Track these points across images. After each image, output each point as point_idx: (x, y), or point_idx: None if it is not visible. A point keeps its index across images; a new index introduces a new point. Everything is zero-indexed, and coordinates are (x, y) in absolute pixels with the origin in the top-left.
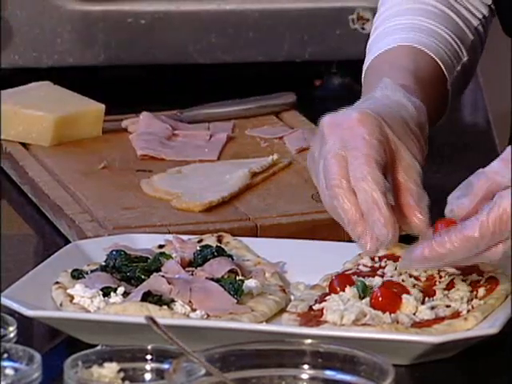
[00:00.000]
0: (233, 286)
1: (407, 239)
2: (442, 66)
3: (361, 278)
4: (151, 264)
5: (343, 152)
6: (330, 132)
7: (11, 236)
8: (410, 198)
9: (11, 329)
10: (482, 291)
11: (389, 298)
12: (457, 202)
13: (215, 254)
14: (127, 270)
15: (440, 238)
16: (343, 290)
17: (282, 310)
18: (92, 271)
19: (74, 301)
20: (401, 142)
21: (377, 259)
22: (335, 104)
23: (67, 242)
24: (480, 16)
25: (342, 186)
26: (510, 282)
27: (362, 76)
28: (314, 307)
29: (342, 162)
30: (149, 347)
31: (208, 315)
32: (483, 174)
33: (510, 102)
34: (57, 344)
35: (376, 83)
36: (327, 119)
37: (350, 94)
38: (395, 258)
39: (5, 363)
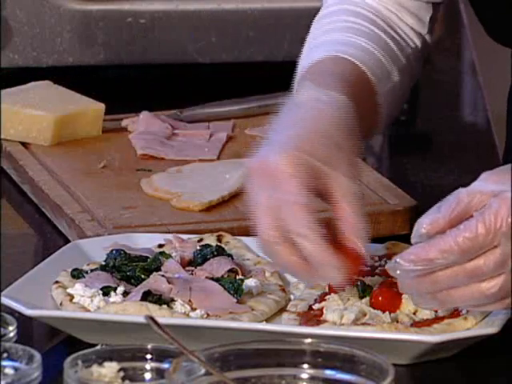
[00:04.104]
0: (233, 285)
1: (407, 239)
2: (372, 78)
3: (361, 278)
4: (151, 263)
5: (273, 202)
6: (258, 181)
7: (11, 235)
8: (350, 231)
9: (11, 328)
10: None
11: (389, 298)
12: (428, 219)
13: (215, 253)
14: (127, 270)
15: (433, 240)
16: (343, 290)
17: (282, 310)
18: (92, 270)
19: (74, 300)
20: (331, 169)
21: (377, 259)
22: None
23: (67, 241)
24: (413, 45)
25: (277, 242)
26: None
27: (295, 86)
28: (313, 307)
29: (273, 212)
30: (149, 347)
31: (208, 314)
32: (461, 192)
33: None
34: (57, 343)
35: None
36: (253, 165)
37: None
38: None
39: (5, 363)
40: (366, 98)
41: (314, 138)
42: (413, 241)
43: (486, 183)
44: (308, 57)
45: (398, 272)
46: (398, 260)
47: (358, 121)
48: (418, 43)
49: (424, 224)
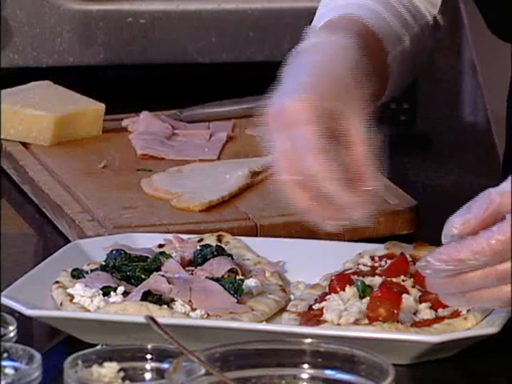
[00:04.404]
0: (233, 285)
1: (407, 239)
2: (382, 38)
3: (361, 278)
4: (151, 263)
5: (290, 146)
6: (275, 126)
7: (11, 235)
8: (361, 175)
9: (11, 328)
10: None
11: (389, 298)
12: (460, 219)
13: (215, 253)
14: (127, 270)
15: (465, 240)
16: (343, 290)
17: (282, 310)
18: (92, 271)
19: (74, 300)
20: (344, 111)
21: (377, 259)
22: None
23: (67, 241)
24: (427, 19)
25: (295, 186)
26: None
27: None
28: (314, 307)
29: (290, 157)
30: (149, 347)
31: (208, 315)
32: (491, 193)
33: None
34: (57, 343)
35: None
36: (270, 110)
37: None
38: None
39: (5, 363)
40: (376, 54)
41: (326, 82)
42: (444, 240)
43: None
44: (320, 18)
45: (428, 271)
46: (428, 259)
47: (371, 68)
48: (430, 19)
49: (456, 224)
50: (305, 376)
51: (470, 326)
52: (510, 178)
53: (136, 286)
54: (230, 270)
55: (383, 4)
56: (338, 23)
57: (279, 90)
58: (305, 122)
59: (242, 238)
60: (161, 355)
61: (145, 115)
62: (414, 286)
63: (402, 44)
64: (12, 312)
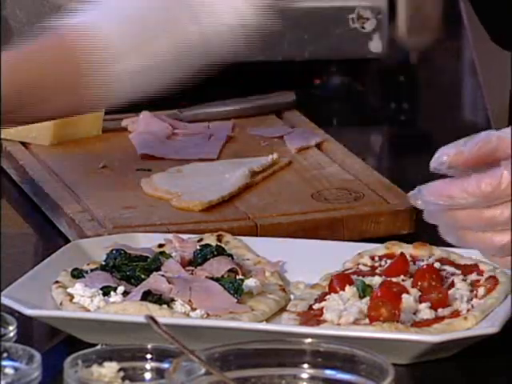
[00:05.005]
0: (233, 285)
1: (407, 239)
2: (107, 46)
3: (361, 278)
4: (151, 263)
5: None
6: None
7: (11, 235)
8: None
9: (11, 328)
10: (481, 290)
11: (389, 298)
12: (453, 149)
13: (215, 253)
14: (127, 270)
15: (457, 179)
16: (343, 290)
17: (282, 310)
18: (92, 270)
19: (74, 300)
20: None
21: (377, 258)
22: (335, 103)
23: (67, 241)
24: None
25: None
26: (510, 281)
27: None
28: (313, 306)
29: None
30: (149, 346)
31: (208, 314)
32: (491, 134)
33: (509, 102)
34: (57, 343)
35: None
36: None
37: (349, 94)
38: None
39: (5, 362)
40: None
41: None
42: (432, 165)
43: None
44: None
45: (419, 202)
46: (421, 189)
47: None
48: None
49: (449, 153)
50: (305, 376)
51: (469, 326)
52: None
53: (136, 285)
54: (230, 270)
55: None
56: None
57: None
58: None
59: (242, 237)
60: (161, 355)
61: (145, 115)
62: (413, 286)
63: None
64: (12, 312)
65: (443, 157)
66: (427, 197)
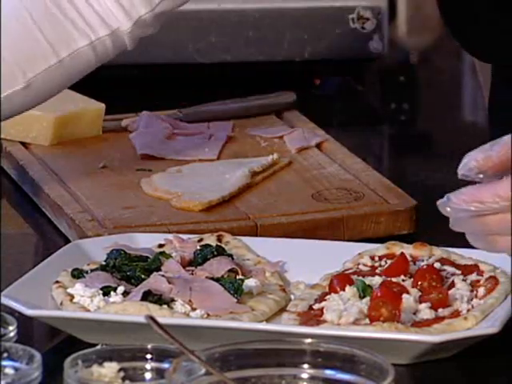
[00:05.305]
0: (233, 285)
1: (407, 239)
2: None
3: (361, 278)
4: (151, 263)
5: None
6: None
7: (11, 235)
8: None
9: (11, 328)
10: (481, 291)
11: (389, 298)
12: (482, 154)
13: (215, 253)
14: (127, 270)
15: (488, 183)
16: (343, 290)
17: (282, 310)
18: (92, 270)
19: (74, 300)
20: None
21: (377, 259)
22: (335, 103)
23: (67, 241)
24: (112, 25)
25: None
26: (510, 281)
27: None
28: (313, 306)
29: None
30: (149, 346)
31: (208, 314)
32: None
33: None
34: (57, 343)
35: None
36: None
37: (349, 94)
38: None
39: (5, 362)
40: None
41: None
42: (460, 172)
43: None
44: None
45: (449, 209)
46: (450, 197)
47: None
48: (124, 24)
49: (477, 158)
50: (305, 376)
51: (470, 326)
52: None
53: (136, 285)
54: (230, 270)
55: (39, 14)
56: None
57: None
58: None
59: (242, 237)
60: (161, 355)
61: (145, 115)
62: (413, 286)
63: (48, 62)
64: (12, 312)
65: (472, 162)
66: (457, 204)
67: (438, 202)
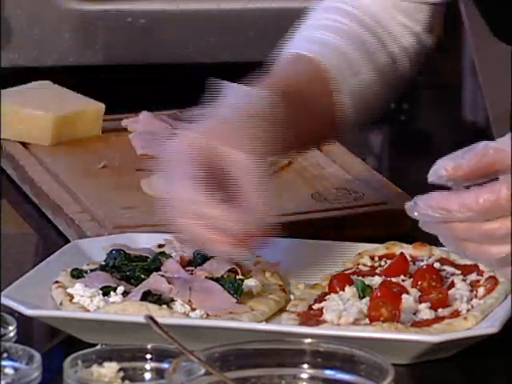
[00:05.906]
0: (232, 285)
1: (407, 239)
2: (332, 75)
3: (360, 278)
4: (151, 263)
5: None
6: (165, 164)
7: (11, 235)
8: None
9: (11, 328)
10: (481, 291)
11: (389, 298)
12: (452, 163)
13: None
14: (127, 270)
15: (455, 192)
16: (343, 290)
17: (282, 310)
18: (92, 270)
19: (74, 300)
20: (229, 148)
21: (377, 259)
22: None
23: (67, 241)
24: (405, 44)
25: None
26: (509, 281)
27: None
28: (313, 307)
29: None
30: (148, 347)
31: (208, 314)
32: (488, 146)
33: (509, 102)
34: (57, 343)
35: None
36: (164, 149)
37: None
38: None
39: (4, 362)
40: (318, 96)
41: (222, 126)
42: (430, 179)
43: None
44: (286, 46)
45: (416, 214)
46: (418, 202)
47: (294, 116)
48: (413, 42)
49: (448, 166)
50: (305, 376)
51: (469, 326)
52: (509, 134)
53: (136, 285)
54: (230, 270)
55: (345, 35)
56: (279, 67)
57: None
58: (182, 158)
59: None
60: (161, 355)
61: (144, 115)
62: (413, 286)
63: (359, 78)
64: (12, 312)
65: (441, 170)
66: (424, 209)
67: (406, 206)
